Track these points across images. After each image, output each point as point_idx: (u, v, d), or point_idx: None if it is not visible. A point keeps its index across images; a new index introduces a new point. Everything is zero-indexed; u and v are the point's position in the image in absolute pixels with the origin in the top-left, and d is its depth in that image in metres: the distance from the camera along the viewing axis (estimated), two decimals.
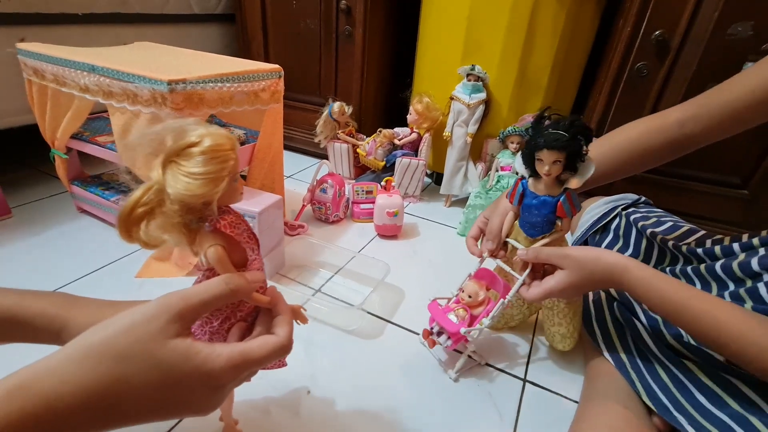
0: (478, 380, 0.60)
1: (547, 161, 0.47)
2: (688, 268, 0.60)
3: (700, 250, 0.60)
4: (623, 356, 0.57)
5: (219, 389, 0.27)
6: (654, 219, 0.74)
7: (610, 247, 0.75)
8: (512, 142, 1.02)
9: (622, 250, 0.73)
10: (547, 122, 0.49)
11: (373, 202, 0.97)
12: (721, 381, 0.48)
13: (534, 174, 0.51)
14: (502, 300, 0.55)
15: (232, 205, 0.33)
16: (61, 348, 0.24)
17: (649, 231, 0.70)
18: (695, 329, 0.42)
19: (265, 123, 0.82)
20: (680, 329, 0.54)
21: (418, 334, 0.67)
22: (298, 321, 0.38)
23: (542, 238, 0.54)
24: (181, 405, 0.26)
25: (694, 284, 0.58)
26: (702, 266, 0.57)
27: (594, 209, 0.82)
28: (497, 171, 1.02)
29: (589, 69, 1.09)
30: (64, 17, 0.94)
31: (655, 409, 0.48)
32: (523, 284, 0.53)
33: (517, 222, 0.57)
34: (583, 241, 0.80)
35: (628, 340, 0.59)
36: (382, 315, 0.71)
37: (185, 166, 0.26)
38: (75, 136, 0.81)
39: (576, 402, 0.57)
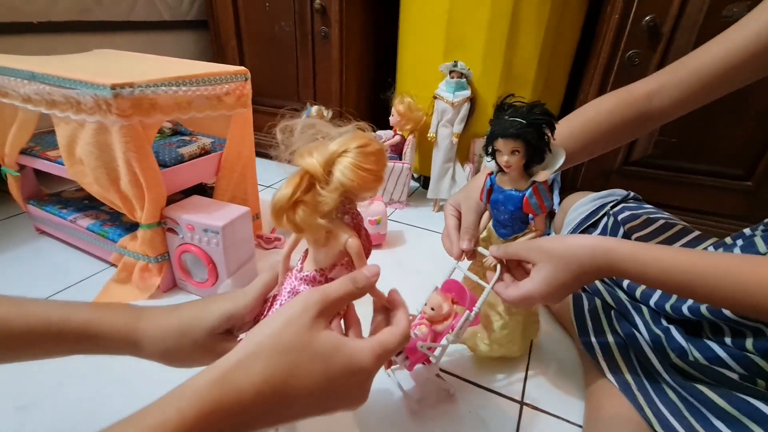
0: (469, 405, 0.53)
1: (505, 151, 0.42)
2: None
3: None
4: (628, 377, 0.50)
5: (366, 381, 0.28)
6: (644, 218, 0.68)
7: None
8: None
9: None
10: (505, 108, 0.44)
11: None
12: (738, 402, 0.42)
13: (500, 168, 0.46)
14: (468, 312, 0.48)
15: None
16: (237, 347, 0.25)
17: (635, 236, 0.64)
18: (713, 295, 0.36)
19: (231, 130, 0.76)
20: (681, 344, 0.49)
21: None
22: None
23: (514, 238, 0.49)
24: (339, 398, 0.27)
25: None
26: None
27: (580, 207, 0.76)
28: None
29: (578, 60, 1.04)
30: (16, 26, 0.88)
31: None
32: (495, 286, 0.47)
33: (490, 223, 0.52)
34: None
35: (631, 356, 0.53)
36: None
37: (358, 161, 0.28)
38: (25, 152, 0.75)
39: (579, 426, 0.51)
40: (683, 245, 0.61)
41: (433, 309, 0.50)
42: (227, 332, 0.35)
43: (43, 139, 0.79)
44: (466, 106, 0.97)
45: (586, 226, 0.71)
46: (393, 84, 1.16)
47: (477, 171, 1.01)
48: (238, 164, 0.79)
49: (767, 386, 0.44)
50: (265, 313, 0.36)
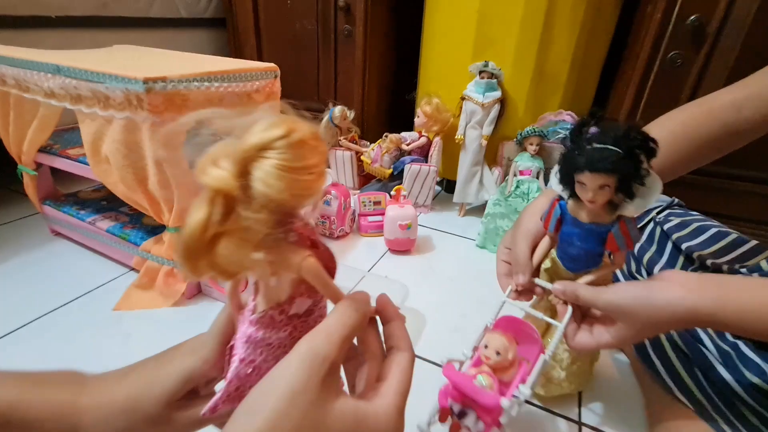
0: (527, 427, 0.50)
1: (591, 186, 0.35)
2: (743, 271, 0.50)
3: (744, 271, 0.51)
4: (699, 396, 0.47)
5: None
6: (693, 226, 0.64)
7: (642, 252, 0.65)
8: (531, 144, 0.93)
9: (654, 259, 0.64)
10: (591, 129, 0.37)
11: (382, 214, 0.87)
12: None
13: (575, 195, 0.38)
14: (542, 356, 0.39)
15: None
16: None
17: (685, 246, 0.60)
18: None
19: None
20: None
21: None
22: None
23: (585, 273, 0.42)
24: None
25: None
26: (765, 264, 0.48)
27: None
28: (515, 176, 0.94)
29: (610, 59, 1.01)
30: (35, 20, 0.85)
31: None
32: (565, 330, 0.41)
33: (554, 251, 0.45)
34: None
35: (698, 375, 0.49)
36: None
37: (281, 160, 0.20)
38: (43, 150, 0.72)
39: None
40: (738, 256, 0.57)
41: (499, 353, 0.40)
42: (190, 393, 0.27)
43: (61, 136, 0.76)
44: (496, 108, 0.94)
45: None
46: (417, 84, 1.13)
47: (505, 175, 0.98)
48: None
49: None
50: (225, 370, 0.27)
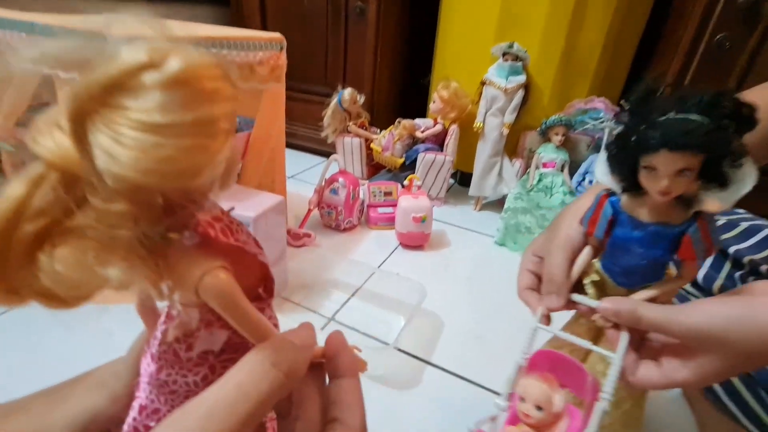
0: None
1: (667, 170, 0.27)
2: None
3: None
4: (766, 419, 0.40)
5: None
6: (743, 227, 0.57)
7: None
8: (556, 134, 0.85)
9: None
10: (661, 99, 0.28)
11: (393, 206, 0.80)
12: None
13: (632, 188, 0.30)
14: (598, 404, 0.29)
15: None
16: None
17: (733, 249, 0.52)
18: None
19: (263, 106, 0.65)
20: None
21: (465, 379, 0.50)
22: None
23: (643, 289, 0.32)
24: None
25: None
26: None
27: None
28: (538, 168, 0.87)
29: (643, 46, 0.93)
30: None
31: None
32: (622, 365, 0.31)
33: (598, 262, 0.36)
34: None
35: (764, 397, 0.42)
36: (418, 354, 0.54)
37: (138, 113, 0.11)
38: (22, 125, 0.65)
39: None
40: None
41: (540, 408, 0.32)
42: None
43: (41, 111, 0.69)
44: (519, 94, 0.87)
45: None
46: (432, 68, 1.05)
47: (527, 167, 0.91)
48: (267, 146, 0.69)
49: None
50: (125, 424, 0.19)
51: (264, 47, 0.60)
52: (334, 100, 0.96)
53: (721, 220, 0.57)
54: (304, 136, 1.20)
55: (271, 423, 0.20)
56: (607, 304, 0.30)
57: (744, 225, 0.56)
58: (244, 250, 0.16)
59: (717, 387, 0.44)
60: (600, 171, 0.32)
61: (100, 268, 0.13)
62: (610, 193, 0.32)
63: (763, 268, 0.48)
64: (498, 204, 0.92)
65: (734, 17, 0.71)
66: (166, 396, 0.17)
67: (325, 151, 1.18)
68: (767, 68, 0.72)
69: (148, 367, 0.17)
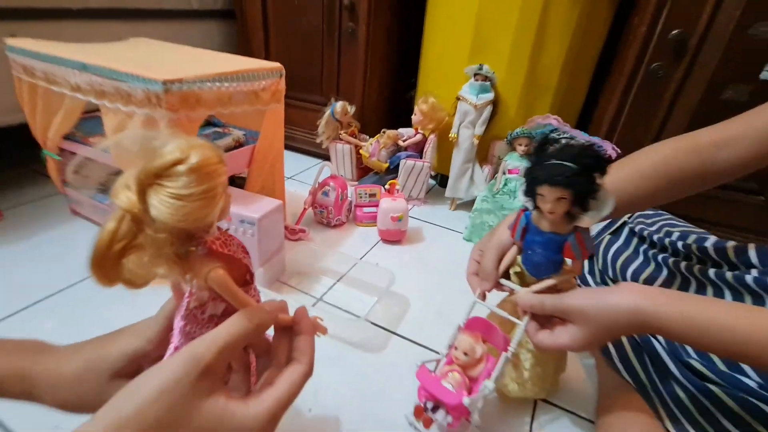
0: None
1: (549, 198, 0.38)
2: (711, 272, 0.54)
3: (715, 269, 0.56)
4: (642, 377, 0.53)
5: None
6: (665, 230, 0.70)
7: (619, 253, 0.71)
8: (520, 145, 0.98)
9: (631, 259, 0.70)
10: (552, 147, 0.40)
11: (377, 206, 0.93)
12: (750, 407, 0.44)
13: (536, 206, 0.42)
14: (504, 354, 0.44)
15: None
16: (89, 422, 0.21)
17: (655, 237, 0.65)
18: (747, 354, 0.35)
19: (265, 124, 0.78)
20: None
21: (424, 347, 0.64)
22: (319, 333, 0.34)
23: (547, 278, 0.45)
24: None
25: (722, 295, 0.53)
26: (729, 274, 0.52)
27: None
28: (504, 174, 0.99)
29: (600, 67, 1.05)
30: (57, 12, 0.90)
31: None
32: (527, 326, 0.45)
33: (520, 257, 0.49)
34: (597, 243, 0.76)
35: (645, 359, 0.56)
36: (386, 326, 0.68)
37: (173, 188, 0.22)
38: (68, 137, 0.78)
39: (592, 422, 0.54)
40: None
41: (466, 354, 0.46)
42: (135, 371, 0.28)
43: (82, 124, 0.82)
44: (488, 109, 0.99)
45: (608, 234, 0.73)
46: (416, 83, 1.18)
47: (495, 172, 1.04)
48: (270, 156, 0.82)
49: None
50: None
51: (266, 76, 0.73)
52: (328, 111, 1.09)
53: (644, 222, 0.70)
54: (302, 139, 1.33)
55: (253, 358, 0.32)
56: (524, 300, 0.44)
57: (665, 230, 0.68)
58: (233, 257, 0.28)
59: (611, 350, 0.58)
60: (519, 193, 0.46)
61: (153, 268, 0.24)
62: (526, 209, 0.45)
63: (655, 237, 0.61)
64: (470, 204, 1.04)
65: (666, 48, 0.84)
66: (190, 340, 0.28)
67: (320, 154, 1.31)
68: (692, 97, 0.84)
69: (178, 323, 0.29)
